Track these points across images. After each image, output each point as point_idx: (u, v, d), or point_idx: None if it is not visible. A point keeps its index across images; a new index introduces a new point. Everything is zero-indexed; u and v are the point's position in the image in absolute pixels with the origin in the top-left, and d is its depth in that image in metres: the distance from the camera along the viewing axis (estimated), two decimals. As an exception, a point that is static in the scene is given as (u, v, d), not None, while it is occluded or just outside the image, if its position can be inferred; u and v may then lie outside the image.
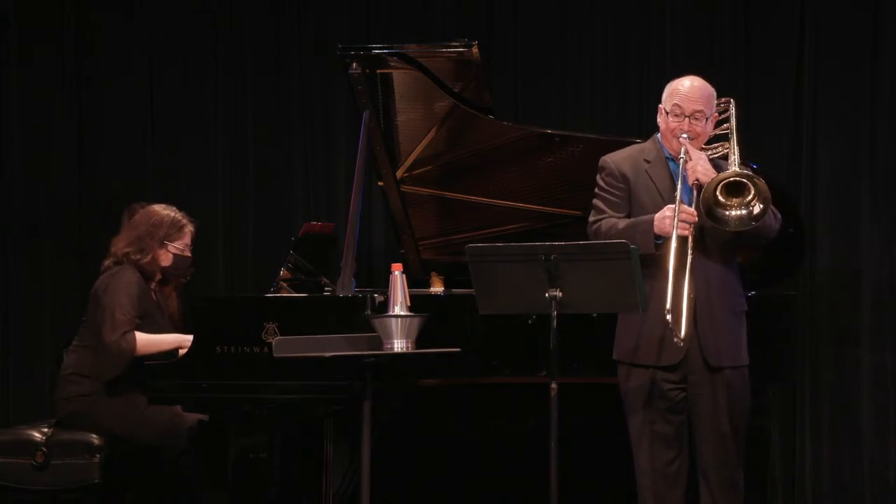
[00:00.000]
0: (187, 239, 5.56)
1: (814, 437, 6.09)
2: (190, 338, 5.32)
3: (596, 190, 4.72)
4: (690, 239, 4.48)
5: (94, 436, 5.27)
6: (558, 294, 4.40)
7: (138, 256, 5.43)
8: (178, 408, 5.32)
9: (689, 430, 4.63)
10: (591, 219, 4.69)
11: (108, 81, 6.91)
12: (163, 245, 5.48)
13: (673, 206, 4.45)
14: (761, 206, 4.38)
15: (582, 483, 5.92)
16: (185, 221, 5.56)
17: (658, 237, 4.49)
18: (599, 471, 6.14)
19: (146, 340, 5.32)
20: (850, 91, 6.10)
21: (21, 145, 6.97)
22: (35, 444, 5.28)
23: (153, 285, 5.51)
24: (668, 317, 4.35)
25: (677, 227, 4.42)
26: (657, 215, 4.50)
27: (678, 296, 4.41)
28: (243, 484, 5.42)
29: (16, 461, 5.28)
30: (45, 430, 5.35)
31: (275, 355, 4.48)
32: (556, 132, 5.62)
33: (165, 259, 5.50)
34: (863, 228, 6.06)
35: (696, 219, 4.45)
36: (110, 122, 6.91)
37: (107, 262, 5.49)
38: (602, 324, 4.89)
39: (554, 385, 4.42)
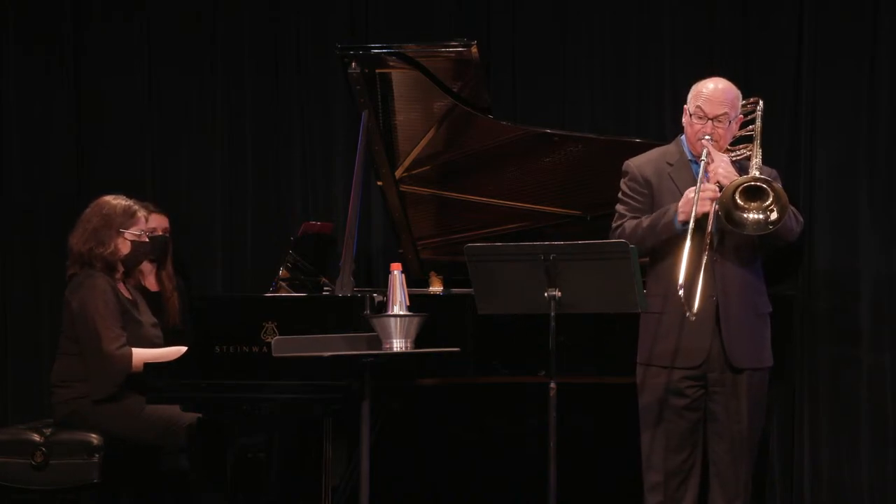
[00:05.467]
0: (142, 224, 5.50)
1: (813, 437, 6.09)
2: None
3: (619, 195, 4.73)
4: (707, 241, 4.48)
5: (93, 436, 5.26)
6: (557, 294, 4.41)
7: (101, 249, 5.39)
8: (177, 407, 5.31)
9: (703, 428, 4.64)
10: (614, 224, 4.70)
11: (107, 81, 6.91)
12: (119, 234, 5.44)
13: (694, 188, 4.47)
14: (778, 212, 4.39)
15: (582, 483, 5.92)
16: (135, 207, 5.50)
17: (684, 223, 4.50)
18: (599, 471, 6.14)
19: (146, 356, 5.30)
20: (849, 91, 6.09)
21: (21, 145, 6.97)
22: (34, 444, 5.27)
23: (118, 276, 5.48)
24: (681, 292, 4.35)
25: (697, 205, 4.42)
26: (680, 201, 4.52)
27: (695, 275, 4.41)
28: (242, 484, 5.42)
29: (15, 461, 5.27)
30: (44, 430, 5.34)
31: (274, 355, 4.48)
32: (554, 132, 5.62)
33: (124, 247, 5.45)
34: (862, 228, 6.05)
35: (718, 194, 4.44)
36: (110, 121, 6.91)
37: (73, 268, 5.44)
38: (601, 324, 4.90)
39: (553, 385, 4.43)
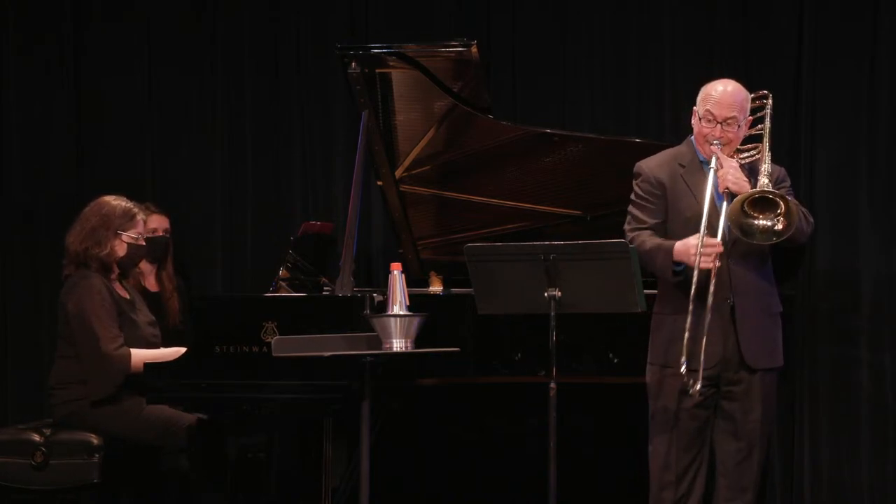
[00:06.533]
0: (140, 227, 5.48)
1: (813, 437, 6.09)
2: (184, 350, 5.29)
3: (632, 196, 4.69)
4: (720, 248, 4.47)
5: (93, 436, 5.26)
6: (557, 294, 4.41)
7: (97, 250, 5.37)
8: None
9: (712, 427, 4.64)
10: (627, 227, 4.67)
11: (107, 81, 6.91)
12: (117, 235, 5.43)
13: (698, 235, 4.44)
14: (785, 224, 4.38)
15: (582, 483, 5.92)
16: (135, 210, 5.48)
17: (678, 264, 4.49)
18: (599, 471, 6.14)
19: (143, 356, 5.28)
20: (849, 91, 6.09)
21: (20, 145, 6.97)
22: (34, 444, 5.27)
23: (114, 277, 5.47)
24: (683, 369, 4.38)
25: (699, 263, 4.40)
26: (679, 244, 4.49)
27: (697, 340, 4.42)
28: (242, 484, 5.42)
29: (15, 461, 5.27)
30: (44, 430, 5.33)
31: (274, 355, 4.48)
32: (554, 132, 5.62)
33: (121, 249, 5.42)
34: (862, 228, 6.06)
35: (721, 250, 4.44)
36: (110, 122, 6.91)
37: (68, 268, 5.42)
38: (601, 324, 4.90)
39: (553, 385, 4.43)
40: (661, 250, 4.52)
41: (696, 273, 4.41)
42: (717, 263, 4.44)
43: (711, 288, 4.42)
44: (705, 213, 4.45)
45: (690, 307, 4.41)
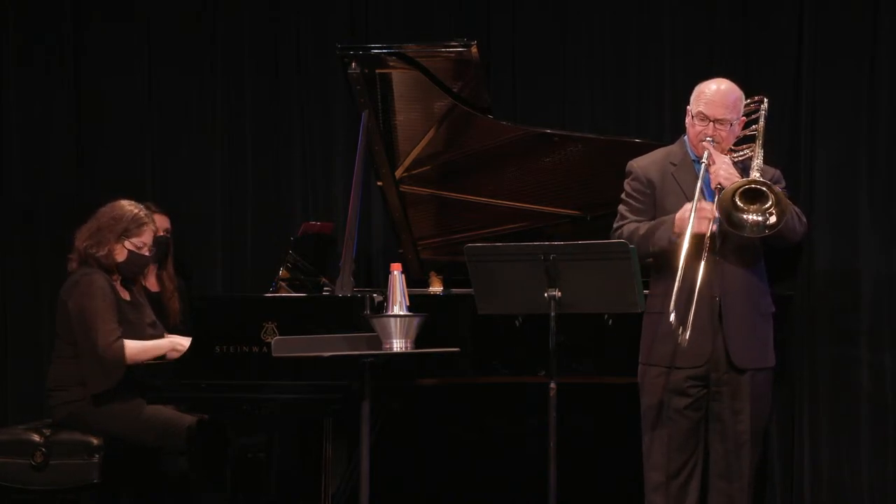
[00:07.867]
0: (146, 237, 5.47)
1: (813, 437, 6.09)
2: (182, 339, 5.30)
3: (622, 195, 4.72)
4: (708, 241, 4.47)
5: (93, 436, 5.26)
6: (557, 294, 4.41)
7: (95, 251, 5.37)
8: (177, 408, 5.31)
9: (705, 428, 4.63)
10: (615, 225, 4.69)
11: (107, 81, 6.90)
12: (120, 240, 5.42)
13: (690, 204, 4.45)
14: (777, 216, 4.38)
15: (582, 483, 5.92)
16: (146, 220, 5.47)
17: (677, 236, 4.50)
18: (599, 471, 6.14)
19: (138, 348, 5.28)
20: (849, 91, 6.09)
21: (20, 145, 6.97)
22: (34, 445, 5.27)
23: (115, 278, 5.46)
24: (672, 318, 4.36)
25: (693, 225, 4.41)
26: (678, 213, 4.50)
27: (688, 296, 4.41)
28: (242, 484, 5.42)
29: (15, 461, 5.27)
30: (44, 430, 5.33)
31: (274, 355, 4.48)
32: (554, 132, 5.62)
33: (120, 254, 5.41)
34: (862, 228, 6.05)
35: (716, 215, 4.44)
36: (110, 122, 6.91)
37: (73, 264, 5.42)
38: (601, 324, 4.90)
39: (553, 385, 4.43)
40: (661, 222, 4.55)
41: (686, 241, 4.40)
42: (713, 227, 4.44)
43: (698, 285, 4.43)
44: (697, 190, 4.46)
45: (672, 304, 4.40)
